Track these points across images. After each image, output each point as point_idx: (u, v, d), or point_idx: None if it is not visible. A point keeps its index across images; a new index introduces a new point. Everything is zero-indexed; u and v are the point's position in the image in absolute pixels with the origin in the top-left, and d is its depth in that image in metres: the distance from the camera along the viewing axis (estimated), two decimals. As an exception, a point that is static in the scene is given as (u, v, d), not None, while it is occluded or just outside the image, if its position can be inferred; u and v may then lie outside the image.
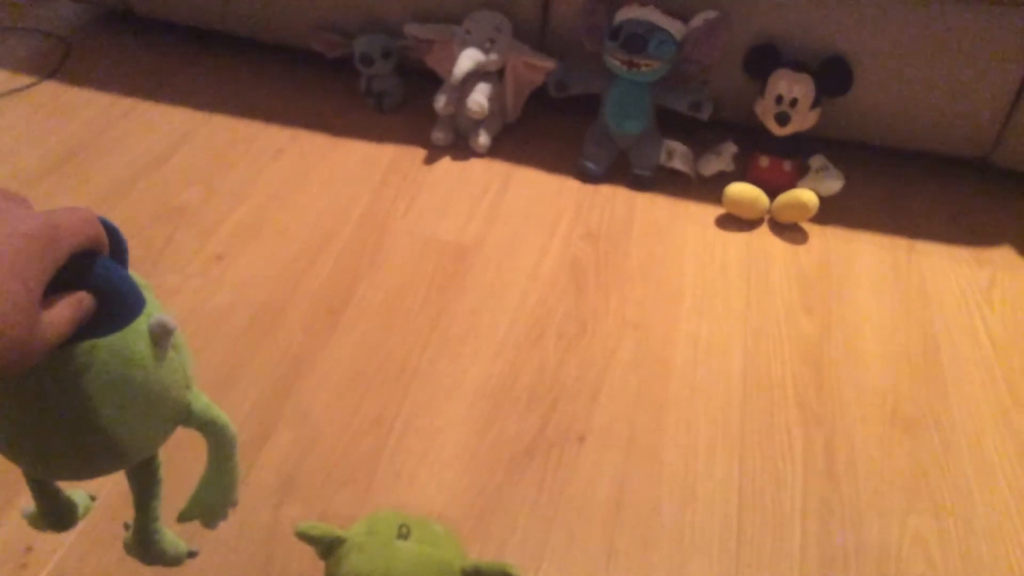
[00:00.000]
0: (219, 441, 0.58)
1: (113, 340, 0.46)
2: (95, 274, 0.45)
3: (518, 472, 0.97)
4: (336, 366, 1.08)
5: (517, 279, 1.22)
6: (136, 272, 0.49)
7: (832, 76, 1.31)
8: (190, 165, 1.40)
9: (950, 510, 0.96)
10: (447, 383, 1.07)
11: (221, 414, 0.57)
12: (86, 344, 0.45)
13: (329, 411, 1.02)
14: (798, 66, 1.30)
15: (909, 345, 1.15)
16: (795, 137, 1.34)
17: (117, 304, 0.46)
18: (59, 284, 0.42)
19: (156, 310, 0.49)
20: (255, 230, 1.28)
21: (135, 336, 0.47)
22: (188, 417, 0.54)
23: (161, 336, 0.48)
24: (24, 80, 1.57)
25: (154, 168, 1.39)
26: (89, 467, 0.50)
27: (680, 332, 1.15)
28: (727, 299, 1.21)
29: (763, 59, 1.33)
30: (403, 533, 0.71)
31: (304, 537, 0.72)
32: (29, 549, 0.85)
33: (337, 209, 1.33)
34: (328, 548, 0.72)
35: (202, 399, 0.55)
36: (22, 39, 1.70)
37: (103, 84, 1.58)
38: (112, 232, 0.47)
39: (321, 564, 0.74)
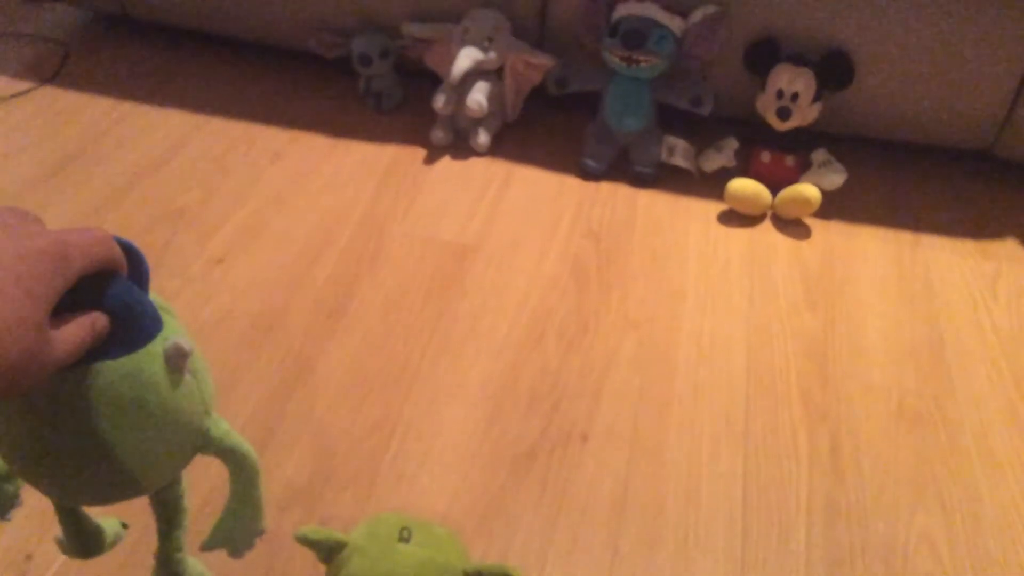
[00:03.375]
0: (241, 469, 0.56)
1: (125, 362, 0.46)
2: (110, 295, 0.44)
3: (521, 473, 0.96)
4: (337, 369, 1.07)
5: (518, 279, 1.21)
6: None
7: (833, 70, 1.30)
8: (189, 168, 1.40)
9: (957, 506, 0.95)
10: (449, 384, 1.06)
11: (243, 441, 0.55)
12: (97, 365, 0.45)
13: (330, 414, 1.02)
14: (799, 60, 1.29)
15: (914, 340, 1.14)
16: (797, 132, 1.33)
17: (131, 326, 0.46)
18: (74, 304, 0.42)
19: (174, 333, 0.48)
20: (255, 233, 1.27)
21: (149, 358, 0.47)
22: (206, 444, 0.53)
23: (176, 359, 0.48)
24: (22, 85, 1.57)
25: (153, 171, 1.38)
26: (103, 492, 0.49)
27: (683, 330, 1.15)
28: (730, 296, 1.20)
29: (763, 54, 1.32)
30: (404, 536, 0.71)
31: (304, 541, 0.71)
32: (29, 558, 0.85)
33: (337, 211, 1.32)
34: (329, 552, 0.72)
35: (222, 425, 0.54)
36: (20, 44, 1.70)
37: (101, 88, 1.57)
38: (132, 253, 0.46)
39: (322, 569, 0.73)
